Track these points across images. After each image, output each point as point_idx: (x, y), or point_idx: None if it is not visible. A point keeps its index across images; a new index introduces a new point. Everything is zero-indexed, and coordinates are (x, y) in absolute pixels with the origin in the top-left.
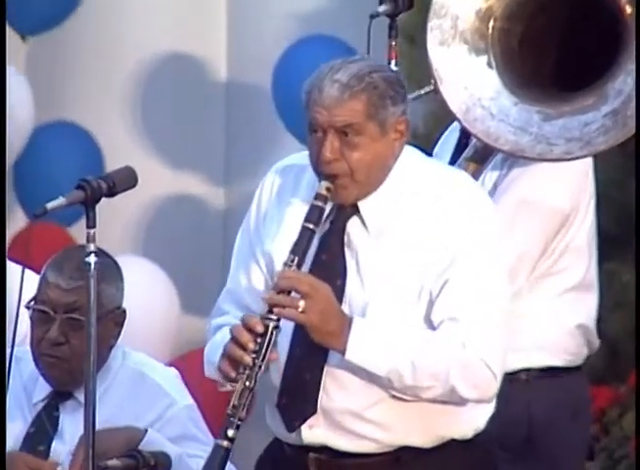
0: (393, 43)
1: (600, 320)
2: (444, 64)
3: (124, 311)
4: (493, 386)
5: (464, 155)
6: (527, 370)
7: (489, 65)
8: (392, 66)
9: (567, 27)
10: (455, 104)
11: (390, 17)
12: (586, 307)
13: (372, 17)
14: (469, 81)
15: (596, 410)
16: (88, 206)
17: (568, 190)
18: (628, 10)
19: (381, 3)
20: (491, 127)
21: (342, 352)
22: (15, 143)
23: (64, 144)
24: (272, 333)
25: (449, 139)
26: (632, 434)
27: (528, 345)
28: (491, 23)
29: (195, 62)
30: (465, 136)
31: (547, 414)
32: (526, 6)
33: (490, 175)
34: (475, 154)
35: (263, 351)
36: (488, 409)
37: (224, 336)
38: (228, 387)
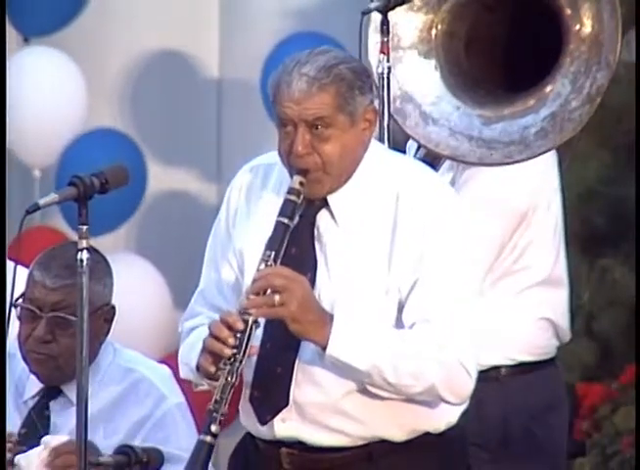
0: (385, 39)
1: (592, 317)
2: (396, 64)
3: (113, 308)
4: (470, 387)
5: (417, 156)
6: (498, 368)
7: (436, 68)
8: (385, 62)
9: (510, 30)
10: (398, 103)
11: (382, 13)
12: (553, 302)
13: (364, 13)
14: (411, 85)
15: (588, 407)
16: (81, 202)
17: (524, 189)
18: (568, 11)
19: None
20: (432, 133)
21: (324, 347)
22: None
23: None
24: (252, 328)
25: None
26: (624, 430)
27: (497, 342)
28: (434, 31)
29: (187, 59)
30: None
31: (522, 412)
32: (470, 8)
33: (446, 176)
34: (426, 155)
35: (244, 345)
36: (465, 401)
37: (198, 337)
38: (205, 386)
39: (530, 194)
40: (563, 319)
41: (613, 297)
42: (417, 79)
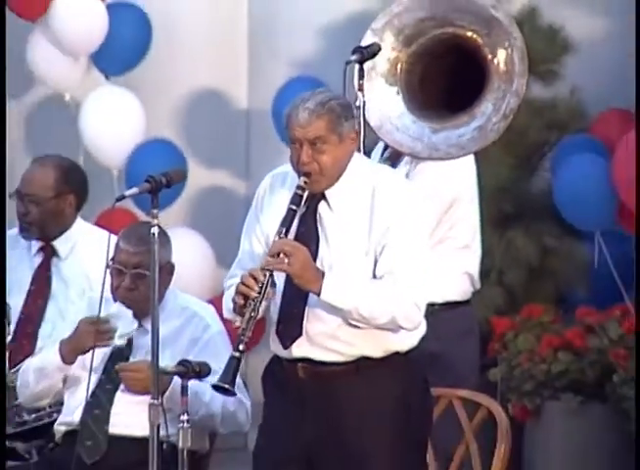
0: (361, 82)
1: (502, 272)
2: (367, 93)
3: (173, 265)
4: (420, 318)
5: (383, 156)
6: (434, 304)
7: (398, 93)
8: (362, 97)
9: (451, 69)
10: (373, 121)
11: (359, 63)
12: (471, 263)
13: (347, 63)
14: (382, 105)
15: (498, 334)
16: (153, 193)
17: (455, 181)
18: (489, 56)
19: (353, 53)
20: (397, 137)
21: (318, 294)
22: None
23: (155, 154)
24: (269, 279)
25: (378, 150)
26: (523, 349)
27: (434, 287)
28: (399, 66)
29: (224, 93)
30: (385, 148)
31: (449, 334)
32: (423, 55)
33: (403, 169)
34: (389, 156)
35: (263, 290)
36: (420, 331)
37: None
38: (238, 323)
39: (459, 185)
40: (476, 274)
41: (515, 258)
42: (386, 101)
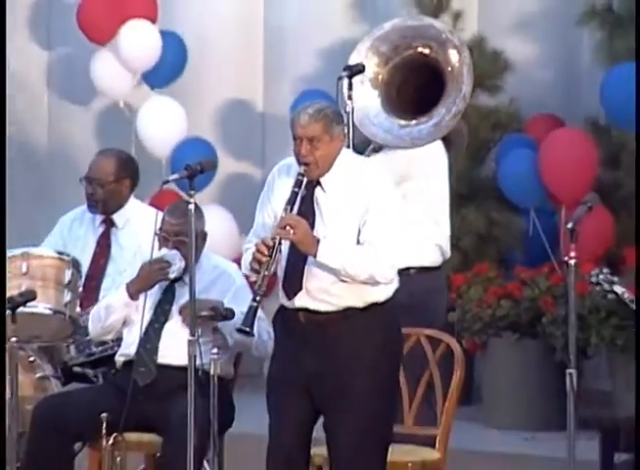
0: (350, 92)
1: (459, 239)
2: (357, 97)
3: (206, 233)
4: (392, 275)
5: (369, 148)
6: (409, 269)
7: (378, 96)
8: (350, 105)
9: (418, 80)
10: (357, 117)
11: (349, 78)
12: (441, 236)
13: (339, 78)
14: (364, 105)
15: (456, 286)
16: (190, 178)
17: (421, 163)
18: (448, 69)
19: (343, 71)
20: (373, 130)
21: (315, 256)
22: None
23: (193, 148)
24: (278, 246)
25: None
26: (473, 298)
27: (411, 254)
28: (379, 78)
29: (245, 101)
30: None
31: (422, 291)
32: (397, 71)
33: (377, 156)
34: (373, 148)
35: (273, 255)
36: (393, 286)
37: (250, 254)
38: (254, 279)
39: (426, 166)
40: (446, 246)
41: (468, 228)
42: (368, 100)
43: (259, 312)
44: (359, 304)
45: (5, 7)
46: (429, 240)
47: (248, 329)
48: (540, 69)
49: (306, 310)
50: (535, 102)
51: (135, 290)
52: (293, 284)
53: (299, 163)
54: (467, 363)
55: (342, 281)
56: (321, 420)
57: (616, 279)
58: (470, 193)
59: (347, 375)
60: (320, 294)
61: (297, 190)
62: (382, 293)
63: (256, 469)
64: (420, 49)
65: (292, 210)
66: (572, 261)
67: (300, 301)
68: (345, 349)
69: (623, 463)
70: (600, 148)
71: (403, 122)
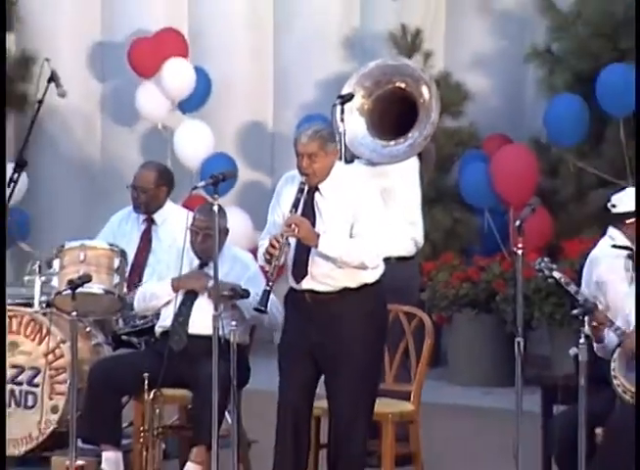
0: (342, 116)
1: (429, 234)
2: (347, 123)
3: (228, 229)
4: (378, 261)
5: (363, 162)
6: (389, 258)
7: (365, 122)
8: (342, 126)
9: (397, 109)
10: (348, 139)
11: (341, 105)
12: (416, 232)
13: (333, 106)
14: (354, 130)
15: (426, 271)
16: (215, 185)
17: (399, 174)
18: (420, 100)
19: (337, 99)
20: (361, 149)
21: (316, 247)
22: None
23: (217, 161)
24: (286, 241)
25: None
26: (441, 281)
27: (391, 246)
28: (365, 107)
29: (258, 122)
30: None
31: (400, 277)
32: (379, 101)
33: (362, 167)
34: (366, 162)
35: (282, 248)
36: (380, 270)
37: (264, 246)
38: (267, 268)
39: (403, 177)
40: (420, 239)
41: (436, 226)
42: (356, 125)
43: (272, 295)
44: (353, 284)
45: (5, 7)
46: (405, 235)
47: (263, 308)
48: (494, 98)
49: (311, 291)
50: (489, 124)
51: (178, 286)
52: (300, 270)
53: (302, 173)
54: (435, 333)
55: (339, 267)
56: (322, 380)
57: (554, 266)
58: (437, 197)
59: (344, 343)
60: (322, 278)
61: (300, 195)
62: (371, 276)
63: (268, 419)
64: (398, 84)
65: (296, 211)
66: (520, 252)
67: (306, 284)
68: (342, 322)
69: (560, 413)
70: (541, 161)
71: (385, 143)
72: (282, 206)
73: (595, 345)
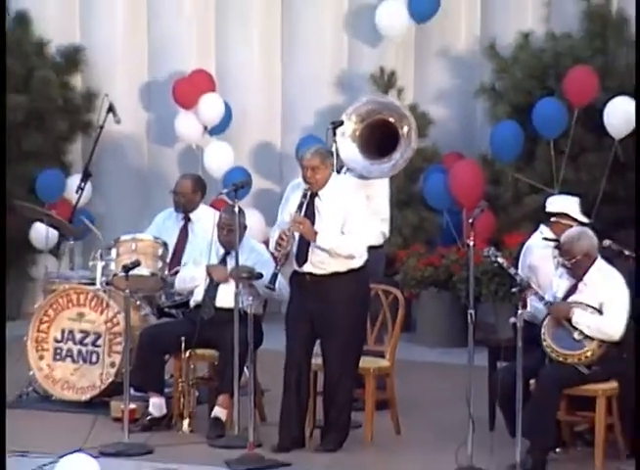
0: (335, 138)
1: (401, 229)
2: (341, 146)
3: (246, 226)
4: (363, 251)
5: (354, 175)
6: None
7: (357, 146)
8: (335, 146)
9: (382, 134)
10: (344, 159)
11: (333, 129)
12: (384, 228)
13: (327, 129)
14: (347, 152)
15: (400, 259)
16: (235, 191)
17: (379, 185)
18: (400, 130)
19: (330, 124)
20: (354, 166)
21: (314, 242)
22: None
23: (237, 173)
24: (291, 234)
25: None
26: (410, 267)
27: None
28: (356, 133)
29: (269, 143)
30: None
31: (375, 261)
32: (369, 128)
33: (352, 178)
34: (358, 176)
35: (290, 241)
36: (364, 258)
37: (275, 239)
38: (277, 255)
39: (376, 187)
40: (387, 232)
41: (406, 223)
42: (349, 149)
43: (280, 276)
44: (343, 269)
45: (5, 7)
46: (378, 229)
47: (273, 287)
48: (451, 124)
49: (310, 274)
50: (448, 144)
51: (210, 272)
52: (302, 257)
53: (306, 182)
54: (407, 306)
55: (332, 257)
56: (318, 342)
57: (499, 254)
58: (407, 201)
59: (336, 313)
60: (318, 264)
61: (303, 199)
62: (357, 262)
63: (276, 373)
64: (386, 117)
65: (300, 212)
66: (471, 243)
67: (307, 268)
68: (334, 296)
69: (503, 368)
70: (487, 173)
71: (372, 162)
72: (289, 207)
73: (520, 310)
